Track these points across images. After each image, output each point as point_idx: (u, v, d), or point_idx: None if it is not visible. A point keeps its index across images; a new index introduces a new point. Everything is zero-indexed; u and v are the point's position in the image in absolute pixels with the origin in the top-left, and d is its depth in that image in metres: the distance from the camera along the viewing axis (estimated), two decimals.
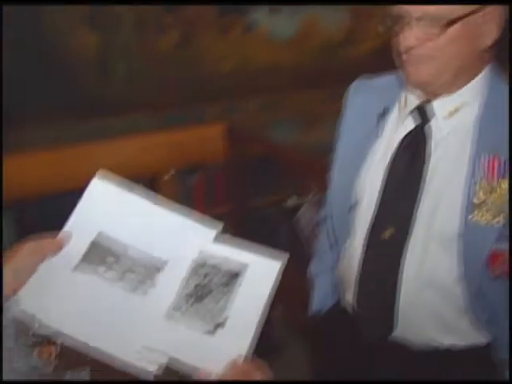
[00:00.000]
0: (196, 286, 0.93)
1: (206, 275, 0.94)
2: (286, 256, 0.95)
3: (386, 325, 1.25)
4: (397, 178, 1.22)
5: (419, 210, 1.18)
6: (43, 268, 0.89)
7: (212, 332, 0.89)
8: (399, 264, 1.21)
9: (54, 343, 1.81)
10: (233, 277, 0.94)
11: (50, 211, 1.68)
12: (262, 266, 0.94)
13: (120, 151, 2.56)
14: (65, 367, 1.76)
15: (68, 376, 1.71)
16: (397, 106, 1.26)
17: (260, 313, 0.91)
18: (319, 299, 1.47)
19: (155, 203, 0.99)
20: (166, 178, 2.73)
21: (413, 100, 1.20)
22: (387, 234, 1.22)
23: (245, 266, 0.94)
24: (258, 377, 0.87)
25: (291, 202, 2.97)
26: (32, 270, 0.88)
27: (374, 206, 1.24)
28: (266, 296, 0.92)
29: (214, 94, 2.75)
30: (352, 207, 1.30)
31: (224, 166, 2.86)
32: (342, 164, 1.33)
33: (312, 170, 2.41)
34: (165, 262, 0.94)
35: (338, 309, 1.40)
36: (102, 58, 2.46)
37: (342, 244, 1.35)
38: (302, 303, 1.53)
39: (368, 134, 1.27)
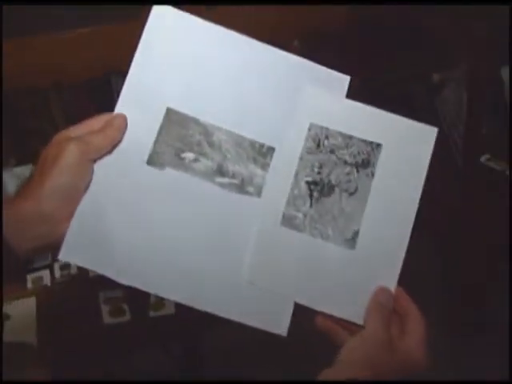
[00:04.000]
0: (316, 173, 0.65)
1: (331, 151, 0.65)
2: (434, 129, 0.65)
3: None
4: None
5: None
6: (100, 174, 0.62)
7: (351, 241, 0.62)
8: None
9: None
10: (369, 154, 0.65)
11: None
12: (409, 136, 0.65)
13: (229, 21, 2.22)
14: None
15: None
16: None
17: (413, 213, 0.62)
18: None
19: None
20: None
21: None
22: None
23: (386, 138, 0.65)
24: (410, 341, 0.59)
25: (435, 77, 2.57)
26: (86, 180, 0.60)
27: None
28: (420, 184, 0.63)
29: None
30: None
31: (352, 31, 2.47)
32: None
33: (464, 37, 2.10)
34: (271, 148, 0.66)
35: None
36: None
37: None
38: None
39: None
